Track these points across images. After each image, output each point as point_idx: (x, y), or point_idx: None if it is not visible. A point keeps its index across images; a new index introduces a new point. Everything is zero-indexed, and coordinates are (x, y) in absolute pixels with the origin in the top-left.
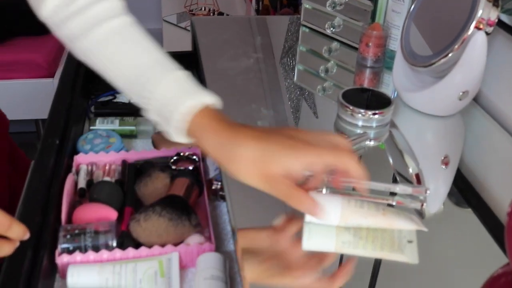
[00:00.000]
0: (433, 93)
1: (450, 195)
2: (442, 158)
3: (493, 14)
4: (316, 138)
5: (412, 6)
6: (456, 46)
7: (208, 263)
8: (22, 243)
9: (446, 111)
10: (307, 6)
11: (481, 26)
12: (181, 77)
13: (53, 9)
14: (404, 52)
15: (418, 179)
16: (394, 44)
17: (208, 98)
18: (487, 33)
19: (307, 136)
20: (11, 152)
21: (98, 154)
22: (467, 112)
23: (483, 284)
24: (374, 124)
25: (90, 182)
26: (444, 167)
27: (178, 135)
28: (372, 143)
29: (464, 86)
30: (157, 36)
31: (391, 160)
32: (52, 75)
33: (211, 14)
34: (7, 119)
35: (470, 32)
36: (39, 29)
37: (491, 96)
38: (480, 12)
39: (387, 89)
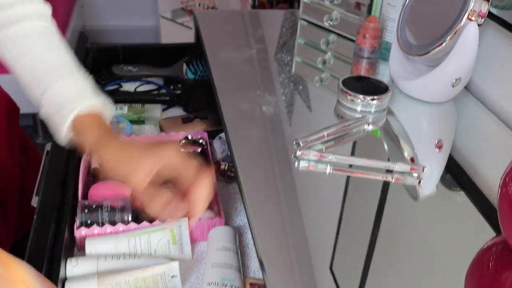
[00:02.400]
0: (428, 81)
1: (443, 178)
2: (436, 142)
3: (484, 7)
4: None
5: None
6: (450, 36)
7: (219, 236)
8: (46, 216)
9: (440, 98)
10: (306, 0)
11: (473, 18)
12: (81, 80)
13: None
14: (400, 42)
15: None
16: (390, 36)
17: (96, 101)
18: (478, 24)
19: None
20: (22, 141)
21: None
22: (459, 99)
23: (476, 255)
24: (372, 109)
25: None
26: (437, 150)
27: (61, 128)
28: (370, 127)
29: (457, 73)
30: (155, 32)
31: (386, 146)
32: None
33: (207, 9)
34: (17, 106)
35: (463, 23)
36: None
37: (481, 84)
38: (472, 5)
39: (382, 79)
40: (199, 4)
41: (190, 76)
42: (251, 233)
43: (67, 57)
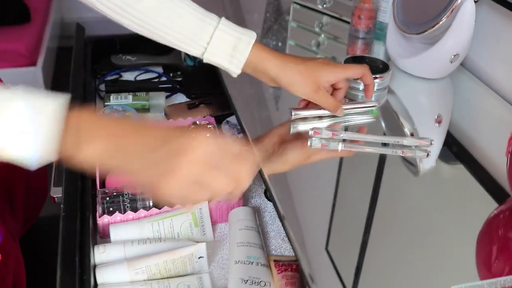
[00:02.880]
0: (426, 58)
1: (442, 151)
2: (436, 117)
3: None
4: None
5: None
6: (447, 14)
7: (240, 216)
8: (72, 206)
9: (438, 74)
10: None
11: None
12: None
13: None
14: (397, 21)
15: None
16: (383, 16)
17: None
18: (475, 1)
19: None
20: None
21: None
22: (455, 75)
23: (485, 222)
24: (375, 88)
25: None
26: (437, 125)
27: (236, 69)
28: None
29: (455, 49)
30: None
31: (383, 124)
32: (34, 64)
33: None
34: None
35: (459, 0)
36: (19, 18)
37: (476, 59)
38: None
39: (378, 58)
40: None
41: (189, 63)
42: (278, 212)
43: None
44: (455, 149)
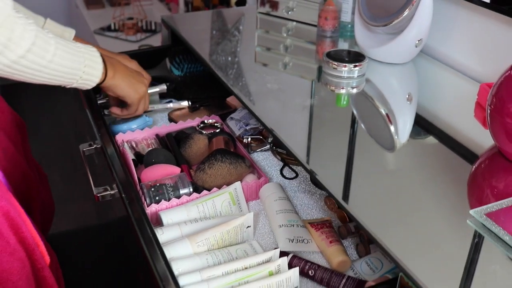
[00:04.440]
0: (395, 45)
1: (414, 127)
2: (407, 96)
3: None
4: None
5: None
6: (410, 6)
7: (272, 190)
8: (127, 199)
9: (405, 59)
10: None
11: None
12: None
13: None
14: (364, 18)
15: (389, 118)
16: (345, 16)
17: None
18: None
19: None
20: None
21: (135, 132)
22: (416, 59)
23: (472, 169)
24: (355, 75)
25: (137, 154)
26: (409, 103)
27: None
28: (354, 90)
29: (419, 35)
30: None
31: (361, 106)
32: None
33: (139, 22)
34: (24, 124)
35: None
36: None
37: (432, 43)
38: None
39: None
40: (130, 18)
41: (176, 72)
42: (308, 170)
43: None
44: (424, 123)
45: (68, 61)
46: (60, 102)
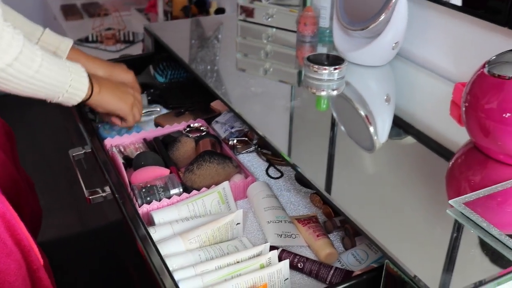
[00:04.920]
0: (373, 48)
1: (392, 127)
2: (385, 97)
3: None
4: None
5: None
6: (386, 10)
7: (259, 188)
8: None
9: (382, 61)
10: (241, 2)
11: None
12: None
13: None
14: (342, 23)
15: (368, 119)
16: (323, 22)
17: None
18: None
19: None
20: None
21: (123, 137)
22: (393, 61)
23: (450, 164)
24: (335, 77)
25: (126, 157)
26: (387, 103)
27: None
28: (335, 92)
29: (396, 38)
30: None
31: (342, 108)
32: None
33: (118, 32)
34: (13, 132)
35: None
36: None
37: (407, 46)
38: None
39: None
40: (108, 29)
41: (160, 79)
42: (297, 170)
43: None
44: (401, 124)
45: (54, 73)
46: (41, 113)
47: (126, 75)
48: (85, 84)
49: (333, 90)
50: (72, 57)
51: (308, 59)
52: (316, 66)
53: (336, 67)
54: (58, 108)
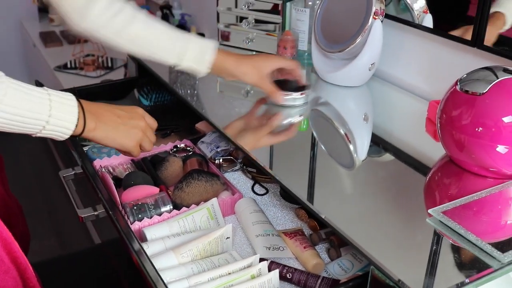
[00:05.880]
0: (350, 69)
1: (371, 145)
2: (363, 116)
3: (382, 6)
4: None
5: (317, 12)
6: (362, 33)
7: (247, 204)
8: (110, 217)
9: (360, 81)
10: (221, 27)
11: (376, 17)
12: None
13: (98, 14)
14: (320, 45)
15: (347, 137)
16: (301, 45)
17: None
18: (381, 21)
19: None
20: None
21: (111, 158)
22: (369, 82)
23: (427, 176)
24: (302, 102)
25: (115, 178)
26: (365, 122)
27: (206, 69)
28: (302, 117)
29: (372, 59)
30: (57, 86)
31: (321, 127)
32: None
33: (99, 58)
34: (1, 156)
35: (370, 22)
36: None
37: (382, 67)
38: (374, 7)
39: (304, 77)
40: (88, 55)
41: (145, 102)
42: (281, 185)
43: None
44: (379, 141)
45: (24, 104)
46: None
47: (278, 62)
48: (72, 121)
49: (299, 115)
50: (220, 62)
51: (276, 82)
52: (283, 93)
53: (303, 92)
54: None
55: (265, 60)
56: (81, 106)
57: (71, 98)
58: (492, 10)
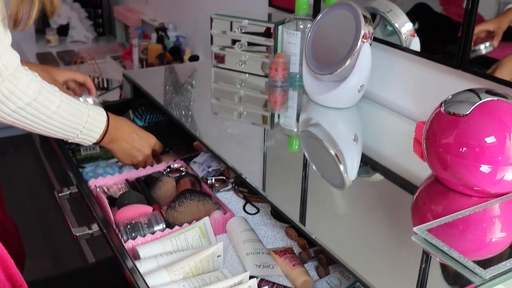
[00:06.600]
0: (340, 91)
1: (361, 165)
2: (353, 137)
3: (370, 29)
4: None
5: (308, 36)
6: (351, 56)
7: (238, 223)
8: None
9: (349, 103)
10: (214, 50)
11: (365, 40)
12: None
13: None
14: (311, 68)
15: (338, 157)
16: (293, 67)
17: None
18: (370, 44)
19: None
20: None
21: (106, 178)
22: (359, 104)
23: (414, 196)
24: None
25: (110, 197)
26: (355, 143)
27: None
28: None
29: (361, 81)
30: None
31: (313, 147)
32: None
33: (95, 79)
34: None
35: (358, 45)
36: None
37: (373, 89)
38: (362, 31)
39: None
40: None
41: (139, 123)
42: (272, 205)
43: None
44: (369, 162)
45: (70, 116)
46: (15, 160)
47: (71, 74)
48: (98, 133)
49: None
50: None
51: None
52: None
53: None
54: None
55: (57, 69)
56: (108, 120)
57: (103, 114)
58: None
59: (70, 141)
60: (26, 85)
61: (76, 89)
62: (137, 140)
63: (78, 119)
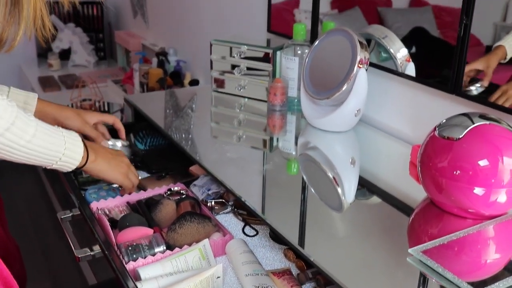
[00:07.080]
0: (337, 115)
1: (358, 188)
2: (350, 160)
3: (366, 55)
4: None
5: (306, 61)
6: (348, 81)
7: (237, 245)
8: (109, 258)
9: (346, 127)
10: (214, 75)
11: (361, 66)
12: None
13: None
14: (308, 92)
15: (336, 180)
16: (291, 92)
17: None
18: (366, 70)
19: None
20: None
21: (107, 200)
22: (356, 127)
23: (410, 218)
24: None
25: (111, 219)
26: (352, 166)
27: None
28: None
29: (358, 106)
30: None
31: (310, 171)
32: None
33: (96, 103)
34: (1, 197)
35: (355, 70)
36: None
37: (370, 113)
38: (358, 57)
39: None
40: (85, 100)
41: (140, 146)
42: (271, 228)
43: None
44: (366, 184)
45: (48, 143)
46: (16, 181)
47: (100, 116)
48: (80, 154)
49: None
50: (41, 108)
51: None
52: None
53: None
54: (34, 175)
55: (87, 112)
56: (83, 142)
57: (77, 138)
58: None
59: (48, 168)
60: (2, 109)
61: (105, 133)
62: (113, 152)
63: (56, 145)
